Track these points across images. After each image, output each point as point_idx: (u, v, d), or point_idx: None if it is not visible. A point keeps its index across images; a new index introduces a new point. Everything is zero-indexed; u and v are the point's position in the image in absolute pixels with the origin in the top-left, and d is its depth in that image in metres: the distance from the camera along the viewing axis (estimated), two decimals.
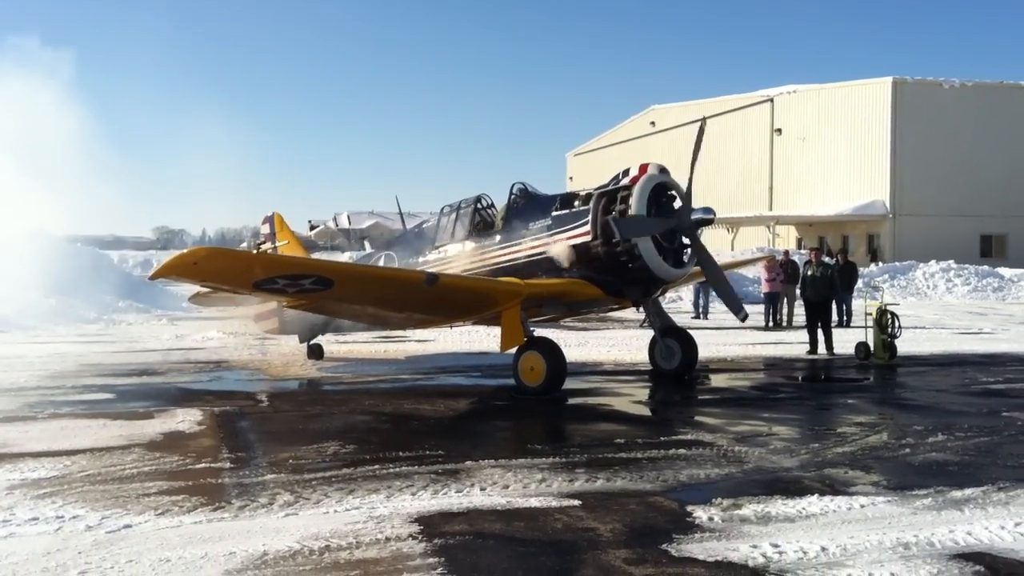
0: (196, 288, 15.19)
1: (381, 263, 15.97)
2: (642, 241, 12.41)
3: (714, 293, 17.43)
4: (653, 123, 71.47)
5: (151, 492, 7.31)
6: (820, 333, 17.65)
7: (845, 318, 23.67)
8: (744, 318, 13.29)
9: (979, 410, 11.30)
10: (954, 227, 49.21)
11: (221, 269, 11.55)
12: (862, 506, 6.85)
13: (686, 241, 13.13)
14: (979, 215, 50.45)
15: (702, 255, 13.15)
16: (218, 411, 11.32)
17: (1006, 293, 38.21)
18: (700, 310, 27.01)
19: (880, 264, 43.39)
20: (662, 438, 9.50)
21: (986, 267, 41.42)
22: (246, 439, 9.66)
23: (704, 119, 13.69)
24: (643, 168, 13.00)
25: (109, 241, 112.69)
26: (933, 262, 40.74)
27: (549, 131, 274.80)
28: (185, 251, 11.14)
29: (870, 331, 16.79)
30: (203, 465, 8.33)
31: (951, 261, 40.89)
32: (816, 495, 7.13)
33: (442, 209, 15.19)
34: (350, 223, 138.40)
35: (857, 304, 23.66)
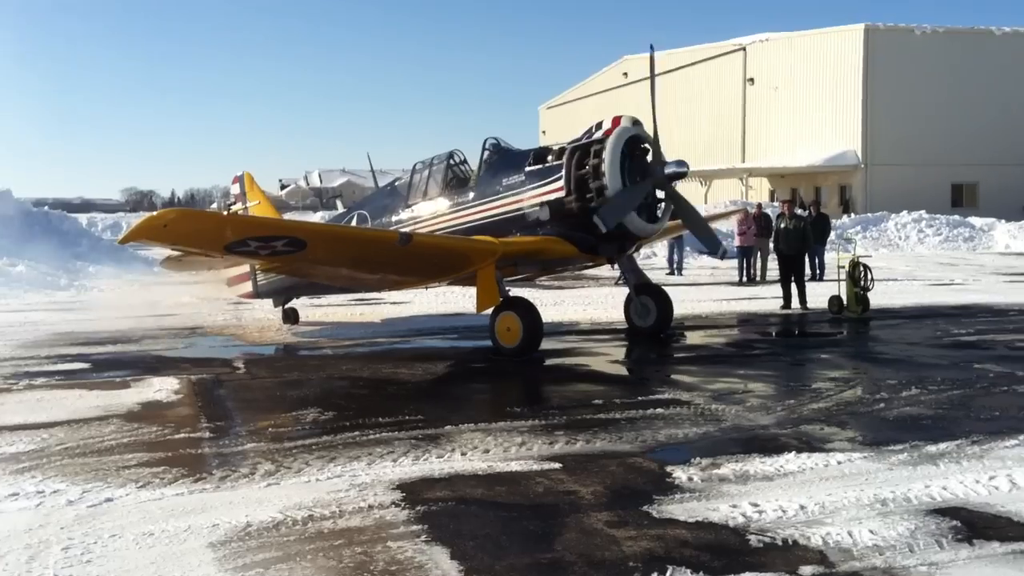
0: (168, 252, 15.04)
1: (354, 223, 15.85)
2: (616, 194, 12.32)
3: (693, 239, 17.44)
4: (626, 74, 70.97)
5: (131, 464, 7.27)
6: (794, 287, 17.76)
7: (818, 272, 23.84)
8: (723, 255, 13.62)
9: (952, 362, 11.44)
10: (926, 176, 49.43)
11: (192, 232, 11.42)
12: (839, 463, 6.93)
13: (660, 195, 13.09)
14: (950, 164, 50.67)
15: (678, 202, 13.17)
16: (195, 379, 11.25)
17: (977, 243, 38.67)
18: (674, 266, 27.11)
19: (852, 215, 43.65)
20: (639, 398, 9.55)
21: (957, 216, 41.80)
22: (224, 408, 9.62)
23: (651, 45, 13.83)
24: (616, 121, 12.92)
25: (77, 204, 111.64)
26: (905, 212, 41.06)
27: (522, 84, 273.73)
28: (155, 214, 11.00)
29: (843, 284, 16.92)
30: (182, 435, 8.29)
31: (923, 211, 41.25)
32: (793, 452, 7.20)
33: (414, 166, 15.03)
34: (321, 182, 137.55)
35: (830, 257, 23.81)
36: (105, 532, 5.70)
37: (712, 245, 13.91)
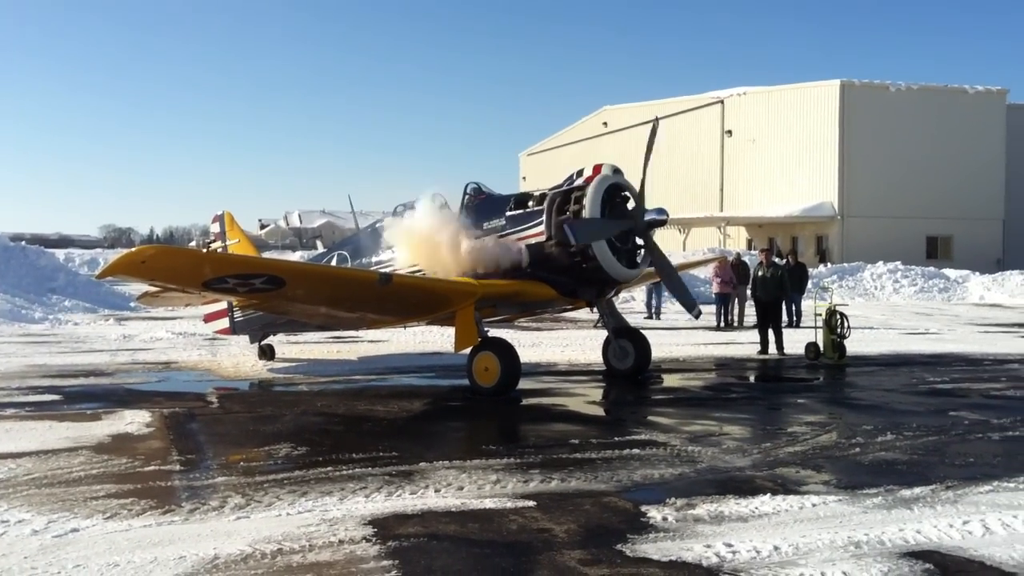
0: (145, 287, 14.94)
1: (334, 263, 15.83)
2: (596, 242, 12.45)
3: (667, 292, 17.66)
4: (606, 124, 71.76)
5: (99, 495, 7.17)
6: (771, 333, 17.85)
7: (795, 319, 23.96)
8: (697, 315, 13.66)
9: (927, 409, 11.49)
10: (901, 229, 50.08)
11: (170, 268, 11.36)
12: (814, 505, 6.92)
13: (639, 242, 13.20)
14: (925, 217, 51.36)
15: (655, 254, 13.26)
16: (167, 412, 11.13)
17: (951, 294, 38.97)
18: (653, 311, 27.20)
19: (829, 265, 44.00)
20: (616, 438, 9.52)
21: (932, 268, 42.19)
22: (196, 441, 9.52)
23: (656, 119, 13.81)
24: (597, 169, 13.04)
25: (55, 239, 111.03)
26: (881, 263, 41.41)
27: (503, 130, 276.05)
28: (133, 249, 10.93)
29: (820, 331, 17.01)
30: (152, 468, 8.19)
31: (898, 262, 41.61)
32: (768, 494, 7.19)
33: (395, 208, 15.07)
34: (301, 222, 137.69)
35: (807, 305, 23.96)
36: (69, 562, 5.61)
37: (687, 304, 13.35)
